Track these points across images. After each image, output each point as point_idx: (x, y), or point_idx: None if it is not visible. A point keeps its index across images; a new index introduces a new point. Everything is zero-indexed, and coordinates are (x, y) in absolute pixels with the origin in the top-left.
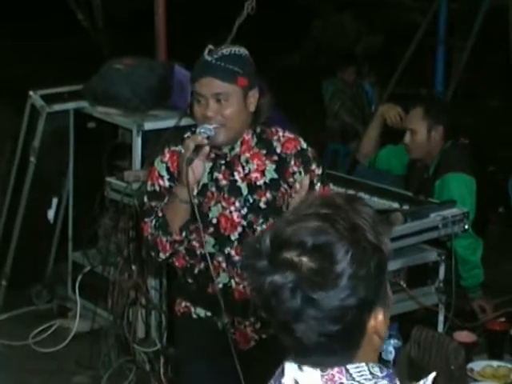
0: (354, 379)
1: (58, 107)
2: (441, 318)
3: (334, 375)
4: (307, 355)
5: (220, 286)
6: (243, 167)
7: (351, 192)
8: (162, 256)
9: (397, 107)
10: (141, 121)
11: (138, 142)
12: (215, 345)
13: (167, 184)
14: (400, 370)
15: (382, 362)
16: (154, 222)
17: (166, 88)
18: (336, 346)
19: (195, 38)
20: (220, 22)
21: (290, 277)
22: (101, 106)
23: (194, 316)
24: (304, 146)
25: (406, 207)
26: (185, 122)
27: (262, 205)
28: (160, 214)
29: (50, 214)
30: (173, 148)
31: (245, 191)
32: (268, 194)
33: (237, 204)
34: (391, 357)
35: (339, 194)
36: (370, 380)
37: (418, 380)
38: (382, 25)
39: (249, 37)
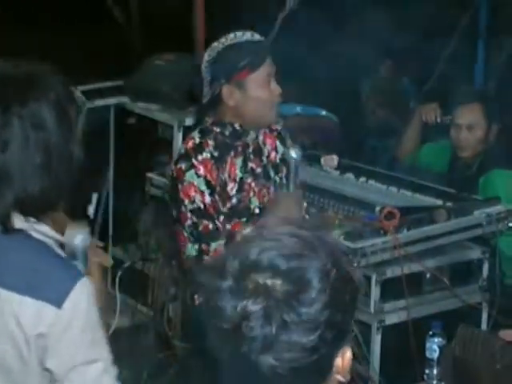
0: None
1: (98, 103)
2: (484, 316)
3: None
4: None
5: None
6: (263, 150)
7: (394, 189)
8: None
9: (433, 104)
10: (181, 116)
11: (178, 138)
12: None
13: (208, 200)
14: (445, 369)
15: (426, 360)
16: None
17: None
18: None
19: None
20: (256, 17)
21: (262, 301)
22: (141, 101)
23: None
24: None
25: (449, 204)
26: None
27: (283, 181)
28: None
29: (90, 209)
30: (201, 157)
31: (272, 173)
32: (284, 170)
33: (271, 188)
34: (435, 355)
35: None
36: None
37: (463, 379)
38: (419, 21)
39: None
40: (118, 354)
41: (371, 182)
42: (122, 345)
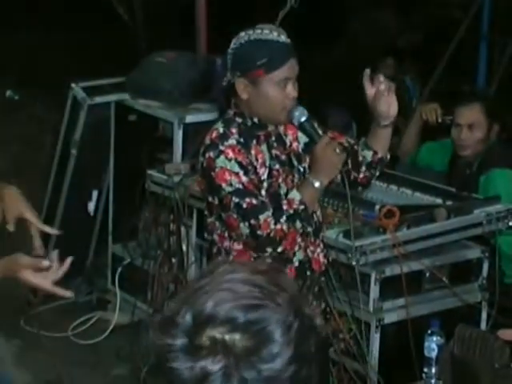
0: None
1: (99, 99)
2: (484, 315)
3: None
4: None
5: (296, 264)
6: (285, 140)
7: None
8: (281, 249)
9: (434, 104)
10: (182, 114)
11: (179, 135)
12: None
13: (245, 179)
14: (443, 368)
15: (424, 359)
16: (284, 216)
17: (207, 81)
18: None
19: (235, 31)
20: (259, 16)
21: (221, 360)
22: (142, 98)
23: None
24: None
25: (449, 203)
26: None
27: (307, 171)
28: (302, 207)
29: (91, 206)
30: (227, 143)
31: (295, 162)
32: (307, 159)
33: (296, 175)
34: (434, 354)
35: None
36: None
37: (462, 378)
38: (422, 21)
39: (287, 32)
40: (118, 350)
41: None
42: (121, 342)
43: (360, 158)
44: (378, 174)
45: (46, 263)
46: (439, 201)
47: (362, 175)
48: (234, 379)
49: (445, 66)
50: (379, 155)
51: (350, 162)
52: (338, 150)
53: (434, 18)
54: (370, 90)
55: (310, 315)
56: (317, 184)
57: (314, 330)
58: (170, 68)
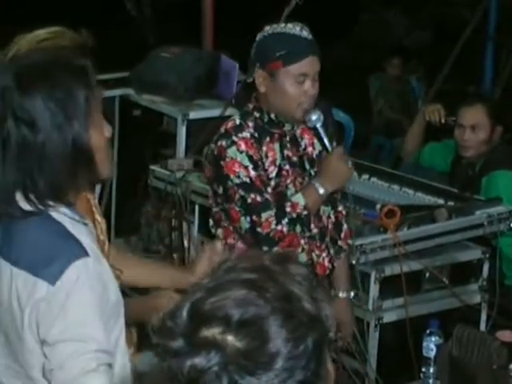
0: None
1: (103, 94)
2: (483, 316)
3: None
4: None
5: None
6: (300, 143)
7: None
8: (276, 249)
9: (438, 104)
10: (186, 109)
11: (182, 131)
12: None
13: (254, 174)
14: (441, 368)
15: (422, 359)
16: (286, 219)
17: (211, 78)
18: None
19: (240, 28)
20: (266, 12)
21: (214, 359)
22: (146, 93)
23: None
24: None
25: (450, 203)
26: (229, 111)
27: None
28: (305, 213)
29: None
30: (241, 135)
31: (307, 166)
32: (319, 166)
33: (306, 179)
34: (432, 354)
35: (267, 253)
36: None
37: (459, 378)
38: (430, 20)
39: None
40: None
41: (374, 179)
42: None
43: None
44: None
45: None
46: (441, 201)
47: None
48: (224, 381)
49: (451, 67)
50: None
51: None
52: (350, 164)
53: (441, 18)
54: None
55: (310, 308)
56: (322, 191)
57: (314, 323)
58: (175, 63)
